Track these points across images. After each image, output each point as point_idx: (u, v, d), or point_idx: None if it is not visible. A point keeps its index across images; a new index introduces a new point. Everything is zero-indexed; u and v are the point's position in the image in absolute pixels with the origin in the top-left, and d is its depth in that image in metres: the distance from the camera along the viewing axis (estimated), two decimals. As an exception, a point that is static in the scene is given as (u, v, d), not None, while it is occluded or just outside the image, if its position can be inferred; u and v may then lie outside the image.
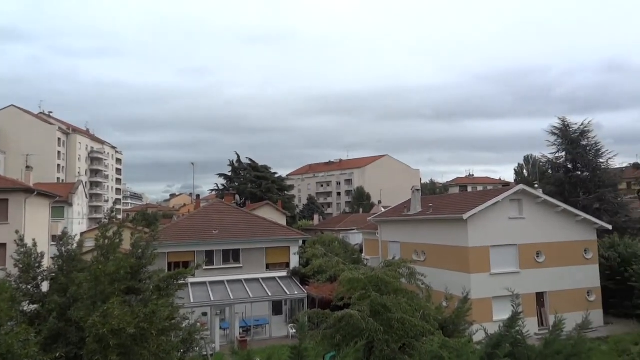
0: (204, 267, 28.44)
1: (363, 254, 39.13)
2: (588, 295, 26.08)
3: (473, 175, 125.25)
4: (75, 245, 10.25)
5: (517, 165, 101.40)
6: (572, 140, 39.10)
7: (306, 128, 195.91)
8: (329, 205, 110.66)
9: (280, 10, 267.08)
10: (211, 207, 35.99)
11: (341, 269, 13.21)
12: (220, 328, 26.19)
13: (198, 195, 69.46)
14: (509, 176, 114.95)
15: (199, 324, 10.18)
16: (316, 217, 73.60)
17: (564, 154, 39.83)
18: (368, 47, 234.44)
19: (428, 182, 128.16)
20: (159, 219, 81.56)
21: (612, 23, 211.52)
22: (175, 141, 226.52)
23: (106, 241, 9.87)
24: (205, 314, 26.43)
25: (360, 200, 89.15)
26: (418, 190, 32.31)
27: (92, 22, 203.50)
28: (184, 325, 9.25)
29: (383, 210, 42.55)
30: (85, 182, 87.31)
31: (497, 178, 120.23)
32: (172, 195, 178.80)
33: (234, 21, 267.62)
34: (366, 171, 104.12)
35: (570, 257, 26.02)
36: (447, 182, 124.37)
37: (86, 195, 73.98)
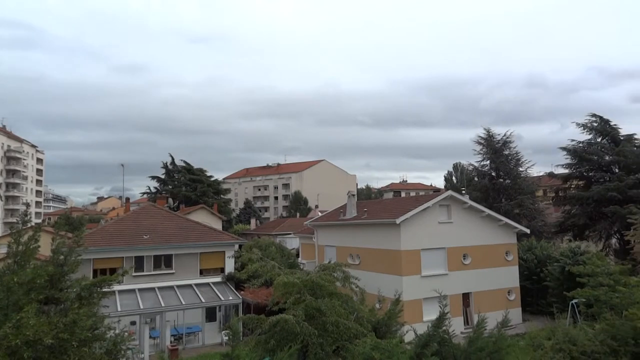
0: (133, 274, 27.21)
1: (299, 258, 39.24)
2: (509, 295, 27.87)
3: (407, 181, 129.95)
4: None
5: (447, 172, 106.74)
6: (495, 149, 41.82)
7: (244, 131, 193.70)
8: (266, 209, 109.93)
9: (220, 12, 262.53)
10: (142, 210, 34.43)
11: (277, 273, 13.14)
12: (150, 337, 25.07)
13: (128, 199, 66.09)
14: (440, 183, 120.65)
15: (126, 333, 9.66)
16: (253, 221, 72.82)
17: (488, 162, 42.51)
18: (308, 53, 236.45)
19: (364, 187, 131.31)
20: (85, 223, 76.81)
21: (534, 43, 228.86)
22: (105, 141, 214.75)
23: (20, 247, 9.08)
24: (134, 323, 25.19)
25: (298, 204, 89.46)
26: (354, 195, 33.04)
27: (15, 11, 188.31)
28: (108, 335, 8.72)
29: (320, 214, 42.96)
30: (0, 183, 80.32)
31: (429, 184, 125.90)
32: (100, 198, 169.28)
33: (174, 20, 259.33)
34: (304, 176, 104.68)
35: (493, 259, 27.70)
36: (382, 187, 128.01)
37: (1, 197, 68.02)
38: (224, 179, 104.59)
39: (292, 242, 47.50)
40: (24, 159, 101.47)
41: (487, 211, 28.30)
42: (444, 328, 10.05)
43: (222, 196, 74.83)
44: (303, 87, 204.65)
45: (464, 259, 27.00)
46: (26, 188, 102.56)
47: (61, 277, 9.21)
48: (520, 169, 41.83)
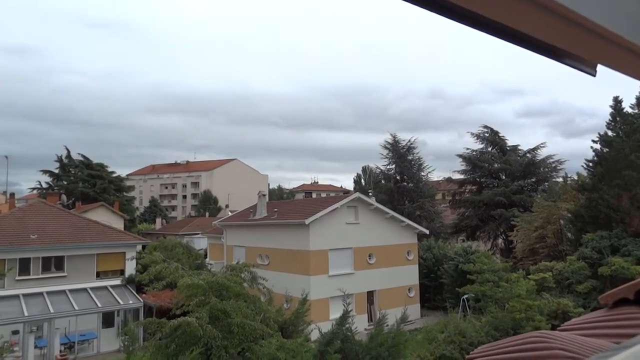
0: (17, 278, 24.59)
1: (208, 259, 38.14)
2: (409, 292, 29.52)
3: (318, 182, 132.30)
4: None
5: (356, 174, 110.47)
6: (400, 154, 44.24)
7: (151, 127, 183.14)
8: (174, 208, 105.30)
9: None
10: (29, 207, 31.17)
11: (180, 275, 12.66)
12: (36, 347, 22.78)
13: (12, 194, 59.44)
14: (350, 185, 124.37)
15: (5, 344, 8.69)
16: (159, 220, 69.35)
17: (394, 166, 44.86)
18: (220, 51, 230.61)
19: (276, 187, 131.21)
20: (-42, 221, 67.68)
21: (435, 57, 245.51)
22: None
23: None
24: (16, 332, 22.71)
25: (207, 203, 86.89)
26: (264, 195, 32.89)
27: None
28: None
29: (230, 214, 42.15)
30: None
31: (339, 186, 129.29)
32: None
33: (72, 1, 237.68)
34: (214, 174, 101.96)
35: (396, 258, 29.17)
36: (293, 188, 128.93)
37: None
38: (127, 175, 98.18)
39: (200, 243, 45.99)
40: None
41: (392, 213, 29.74)
42: (347, 326, 10.41)
43: (125, 193, 70.19)
44: (214, 85, 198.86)
45: (369, 258, 28.10)
46: None
47: None
48: (422, 174, 44.71)
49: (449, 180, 48.48)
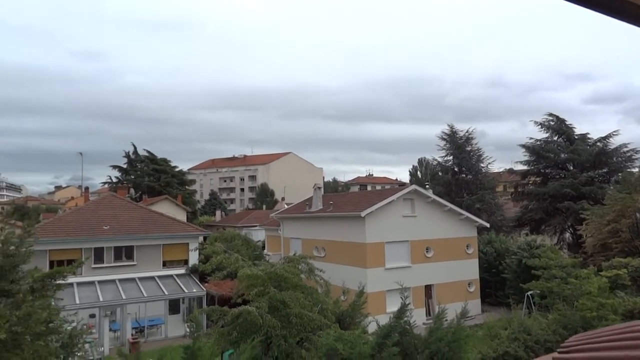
0: (93, 266, 26.44)
1: (265, 250, 39.10)
2: (469, 287, 28.73)
3: (372, 175, 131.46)
4: None
5: (412, 167, 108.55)
6: (458, 145, 42.88)
7: (210, 122, 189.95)
8: (232, 201, 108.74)
9: (188, 1, 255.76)
10: (102, 200, 33.38)
11: (240, 266, 13.06)
12: (111, 330, 24.47)
13: (87, 188, 63.92)
14: (405, 177, 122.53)
15: (84, 326, 9.39)
16: (218, 213, 71.89)
17: (451, 157, 43.58)
18: (276, 46, 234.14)
19: (331, 180, 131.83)
20: (40, 212, 73.74)
21: (495, 44, 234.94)
22: (62, 129, 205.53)
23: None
24: (93, 316, 24.50)
25: (264, 196, 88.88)
26: (320, 187, 33.14)
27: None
28: (64, 328, 8.45)
29: (286, 207, 42.88)
30: (-52, 170, 76.00)
31: (394, 178, 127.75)
32: (58, 188, 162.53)
33: (136, 6, 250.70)
34: (270, 168, 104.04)
35: (454, 252, 28.45)
36: (348, 181, 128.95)
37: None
38: (189, 169, 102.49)
39: (258, 234, 47.22)
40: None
41: (450, 205, 29.00)
42: (405, 319, 10.29)
43: (186, 187, 73.42)
44: (268, 79, 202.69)
45: (427, 251, 27.61)
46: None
47: (12, 269, 8.82)
48: (482, 165, 43.11)
49: (510, 171, 46.42)
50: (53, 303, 8.74)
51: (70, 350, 8.29)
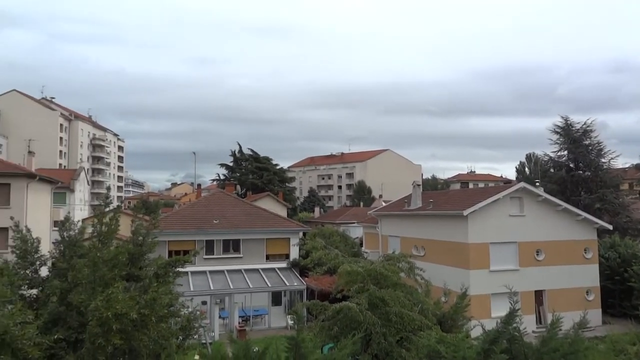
0: (204, 257, 28.63)
1: (363, 248, 39.22)
2: (587, 295, 26.12)
3: (474, 172, 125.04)
4: (77, 230, 10.26)
5: (518, 163, 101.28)
6: (574, 139, 39.06)
7: (308, 120, 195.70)
8: (330, 198, 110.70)
9: (286, 3, 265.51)
10: (212, 196, 36.06)
11: (340, 262, 13.23)
12: (220, 317, 26.35)
13: (199, 185, 69.47)
14: (511, 174, 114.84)
15: (198, 312, 10.23)
16: (317, 209, 73.69)
17: (566, 152, 39.84)
18: (371, 42, 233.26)
19: (430, 177, 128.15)
20: (160, 207, 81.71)
21: (617, 25, 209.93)
22: (177, 130, 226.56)
23: (103, 227, 9.91)
24: (204, 303, 26.58)
25: (361, 193, 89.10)
26: (419, 185, 32.36)
27: (93, 9, 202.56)
28: (182, 312, 9.29)
29: (384, 204, 42.56)
30: (87, 169, 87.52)
31: (499, 175, 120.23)
32: (174, 184, 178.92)
33: (239, 12, 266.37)
34: (367, 165, 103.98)
35: (570, 256, 26.02)
36: (448, 178, 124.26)
37: (88, 181, 74.05)
38: (288, 167, 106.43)
39: (356, 231, 47.50)
40: (107, 147, 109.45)
41: (564, 205, 26.58)
42: (515, 325, 9.61)
43: (287, 184, 76.29)
44: (366, 76, 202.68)
45: (537, 254, 25.61)
46: (109, 174, 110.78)
47: (140, 256, 9.93)
48: (603, 160, 38.76)
49: (638, 167, 41.05)
50: (173, 289, 9.64)
51: (188, 333, 9.09)
